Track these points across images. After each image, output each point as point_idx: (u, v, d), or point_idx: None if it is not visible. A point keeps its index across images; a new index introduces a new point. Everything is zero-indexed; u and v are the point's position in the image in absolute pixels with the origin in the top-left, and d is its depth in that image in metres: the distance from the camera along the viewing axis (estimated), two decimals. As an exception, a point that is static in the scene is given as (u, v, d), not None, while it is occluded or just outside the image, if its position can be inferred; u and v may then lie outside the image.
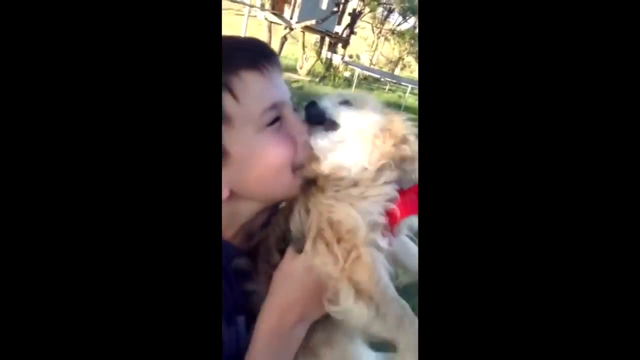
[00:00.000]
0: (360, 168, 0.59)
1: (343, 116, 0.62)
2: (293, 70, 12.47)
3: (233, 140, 0.58)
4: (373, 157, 0.59)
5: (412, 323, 0.49)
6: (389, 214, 0.56)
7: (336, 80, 13.14)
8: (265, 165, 0.60)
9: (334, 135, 0.60)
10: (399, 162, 0.57)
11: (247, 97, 0.58)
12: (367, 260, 0.53)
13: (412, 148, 0.58)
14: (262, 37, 9.84)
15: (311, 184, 0.61)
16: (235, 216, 0.64)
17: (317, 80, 11.98)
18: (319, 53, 13.30)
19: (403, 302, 0.51)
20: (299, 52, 12.67)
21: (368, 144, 0.60)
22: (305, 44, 12.53)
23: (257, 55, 0.60)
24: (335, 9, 13.12)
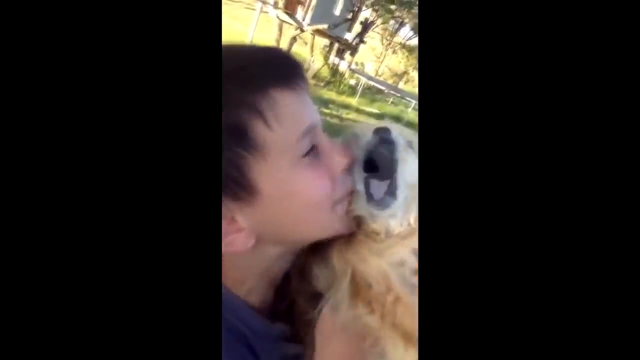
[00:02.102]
0: (408, 227, 0.53)
1: (404, 163, 0.53)
2: (298, 72, 12.30)
3: (266, 175, 0.48)
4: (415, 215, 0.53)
5: None
6: None
7: (341, 87, 13.09)
8: (303, 204, 0.50)
9: (392, 193, 0.53)
10: None
11: (282, 122, 0.47)
12: (408, 300, 0.47)
13: None
14: (272, 34, 9.72)
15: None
16: (252, 266, 0.55)
17: (321, 84, 11.88)
18: (326, 58, 13.22)
19: None
20: (307, 55, 12.56)
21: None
22: (314, 48, 12.42)
23: (286, 68, 0.51)
24: (349, 16, 13.08)
